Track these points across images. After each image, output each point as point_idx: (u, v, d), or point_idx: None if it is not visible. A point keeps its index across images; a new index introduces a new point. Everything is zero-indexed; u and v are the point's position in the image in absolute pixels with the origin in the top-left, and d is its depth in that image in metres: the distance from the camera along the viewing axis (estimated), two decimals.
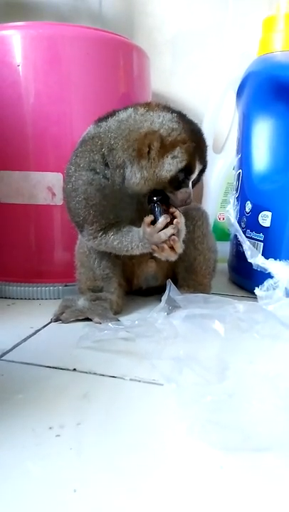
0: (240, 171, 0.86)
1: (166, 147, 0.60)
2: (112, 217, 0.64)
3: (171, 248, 0.62)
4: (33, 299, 0.78)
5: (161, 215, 0.61)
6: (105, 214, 0.64)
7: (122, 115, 0.63)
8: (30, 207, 0.78)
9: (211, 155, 1.02)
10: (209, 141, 0.98)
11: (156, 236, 0.61)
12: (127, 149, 0.61)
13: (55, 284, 0.79)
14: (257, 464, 0.35)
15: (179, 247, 0.63)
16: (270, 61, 0.80)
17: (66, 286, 0.78)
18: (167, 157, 0.60)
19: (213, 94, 1.01)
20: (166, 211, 0.62)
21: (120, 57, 0.81)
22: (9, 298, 0.78)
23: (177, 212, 0.62)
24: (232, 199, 0.81)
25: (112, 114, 0.65)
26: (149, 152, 0.60)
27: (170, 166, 0.60)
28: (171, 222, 0.61)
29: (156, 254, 0.64)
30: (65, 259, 0.77)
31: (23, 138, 0.76)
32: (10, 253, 0.81)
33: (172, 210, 0.62)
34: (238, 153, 0.88)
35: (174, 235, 0.61)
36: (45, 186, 0.77)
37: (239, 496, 0.32)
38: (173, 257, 0.63)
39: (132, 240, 0.64)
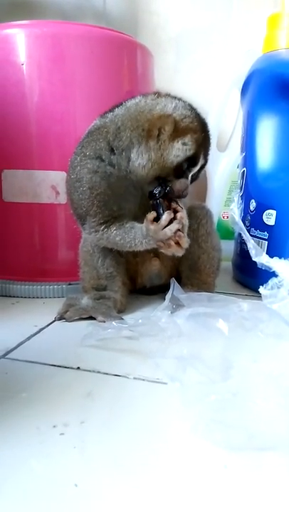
0: (245, 169, 0.85)
1: (178, 132, 0.61)
2: (116, 208, 0.64)
3: (177, 244, 0.62)
4: (37, 297, 0.78)
5: (164, 211, 0.61)
6: (109, 205, 0.63)
7: (131, 102, 0.64)
8: (34, 206, 0.78)
9: (215, 153, 1.03)
10: (214, 139, 0.98)
11: (161, 233, 0.61)
12: (136, 129, 0.61)
13: (59, 282, 0.79)
14: (261, 463, 0.35)
15: (185, 242, 0.63)
16: (275, 59, 0.79)
17: (70, 284, 0.78)
18: (178, 142, 0.61)
19: (218, 92, 1.01)
20: (168, 207, 0.62)
21: (124, 56, 0.81)
22: (13, 296, 0.79)
23: (179, 207, 0.62)
24: (236, 197, 0.80)
25: (119, 104, 0.65)
26: (158, 135, 0.60)
27: (179, 151, 0.61)
28: (174, 218, 0.61)
29: (162, 251, 0.64)
30: (68, 258, 0.77)
31: (27, 137, 0.76)
32: (14, 252, 0.81)
33: (174, 205, 0.62)
34: (242, 151, 0.88)
35: (179, 230, 0.61)
36: (49, 185, 0.77)
37: (243, 495, 0.32)
38: (180, 252, 0.63)
39: (135, 237, 0.63)
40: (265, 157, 0.80)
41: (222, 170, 1.05)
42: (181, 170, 0.63)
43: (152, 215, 0.61)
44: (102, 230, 0.65)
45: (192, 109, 0.64)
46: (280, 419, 0.39)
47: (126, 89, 0.81)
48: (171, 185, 0.63)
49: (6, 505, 0.30)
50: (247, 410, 0.40)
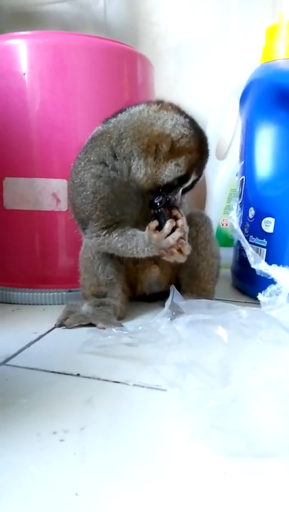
0: (244, 177, 0.86)
1: (173, 152, 0.61)
2: (118, 213, 0.64)
3: (179, 251, 0.63)
4: (37, 304, 0.79)
5: (165, 220, 0.62)
6: (112, 209, 0.64)
7: (134, 109, 0.64)
8: (35, 213, 0.79)
9: (214, 161, 1.04)
10: (213, 147, 0.99)
11: (164, 241, 0.61)
12: (137, 141, 0.62)
13: (59, 289, 0.79)
14: (260, 470, 0.35)
15: (187, 249, 0.63)
16: (273, 69, 0.80)
17: (70, 291, 0.79)
18: (171, 163, 0.61)
19: (217, 101, 1.02)
20: (169, 215, 0.63)
21: (125, 66, 0.82)
22: (13, 303, 0.79)
23: (179, 214, 0.63)
24: (235, 205, 0.81)
25: (122, 110, 0.66)
26: (156, 151, 0.61)
27: (170, 172, 0.62)
28: (176, 225, 0.62)
29: (165, 258, 0.64)
30: (69, 265, 0.78)
31: (29, 145, 0.77)
32: (14, 259, 0.81)
33: (175, 212, 0.63)
34: (241, 159, 0.88)
35: (181, 237, 0.62)
36: (50, 193, 0.78)
37: (242, 502, 0.32)
38: (182, 259, 0.64)
39: (137, 245, 0.64)
40: (264, 165, 0.81)
41: (221, 178, 1.06)
42: (171, 186, 0.63)
43: (155, 224, 0.62)
44: (104, 235, 0.65)
45: (191, 127, 0.63)
46: (279, 425, 0.39)
47: (126, 98, 0.82)
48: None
49: (7, 510, 0.30)
50: (246, 416, 0.40)
